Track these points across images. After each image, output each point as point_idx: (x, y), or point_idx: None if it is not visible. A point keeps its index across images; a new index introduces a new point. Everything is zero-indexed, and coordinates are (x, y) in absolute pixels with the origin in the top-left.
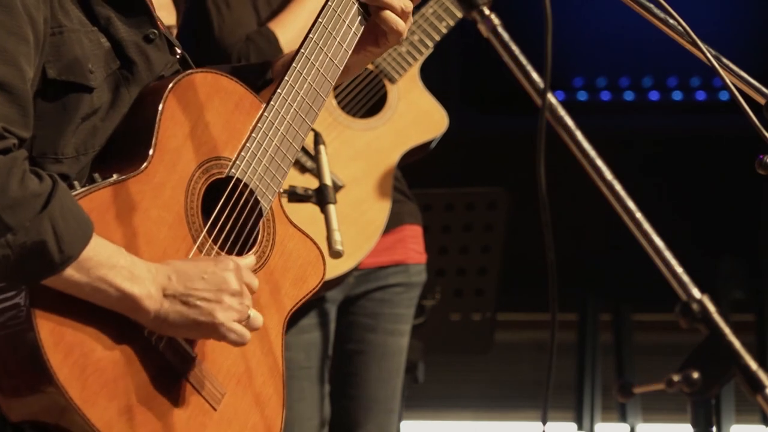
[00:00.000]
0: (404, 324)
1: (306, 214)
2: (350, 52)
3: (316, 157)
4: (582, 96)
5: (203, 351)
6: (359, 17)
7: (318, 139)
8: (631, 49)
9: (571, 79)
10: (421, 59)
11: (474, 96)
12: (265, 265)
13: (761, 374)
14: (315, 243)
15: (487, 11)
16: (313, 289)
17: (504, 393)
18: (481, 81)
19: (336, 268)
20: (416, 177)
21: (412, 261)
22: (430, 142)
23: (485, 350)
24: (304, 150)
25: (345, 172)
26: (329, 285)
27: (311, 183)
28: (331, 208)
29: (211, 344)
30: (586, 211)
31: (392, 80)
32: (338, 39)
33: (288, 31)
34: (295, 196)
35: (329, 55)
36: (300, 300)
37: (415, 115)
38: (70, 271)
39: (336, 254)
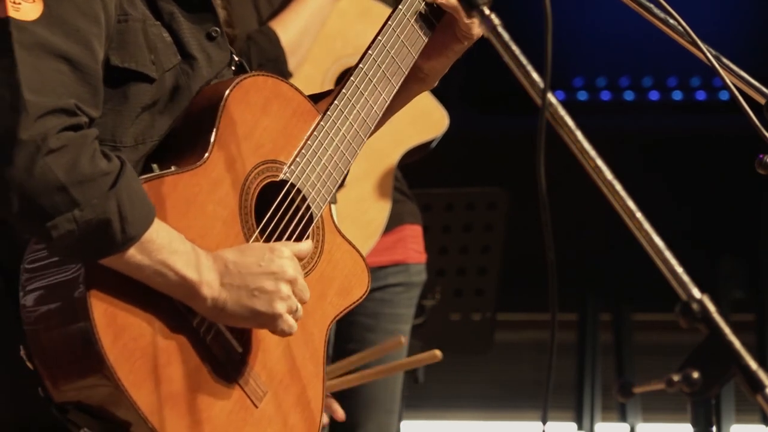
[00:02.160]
0: (404, 324)
1: None
2: (407, 71)
3: None
4: (582, 96)
5: (249, 348)
6: (425, 23)
7: None
8: (631, 49)
9: (571, 79)
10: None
11: (474, 96)
12: (313, 270)
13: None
14: (361, 255)
15: (487, 11)
16: (357, 300)
17: (504, 393)
18: (481, 81)
19: None
20: (416, 177)
21: (412, 261)
22: (430, 142)
23: (485, 350)
24: None
25: None
26: None
27: None
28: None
29: (257, 342)
30: (586, 211)
31: None
32: (396, 57)
33: (289, 30)
34: None
35: (386, 72)
36: (343, 310)
37: (415, 115)
38: (133, 252)
39: None
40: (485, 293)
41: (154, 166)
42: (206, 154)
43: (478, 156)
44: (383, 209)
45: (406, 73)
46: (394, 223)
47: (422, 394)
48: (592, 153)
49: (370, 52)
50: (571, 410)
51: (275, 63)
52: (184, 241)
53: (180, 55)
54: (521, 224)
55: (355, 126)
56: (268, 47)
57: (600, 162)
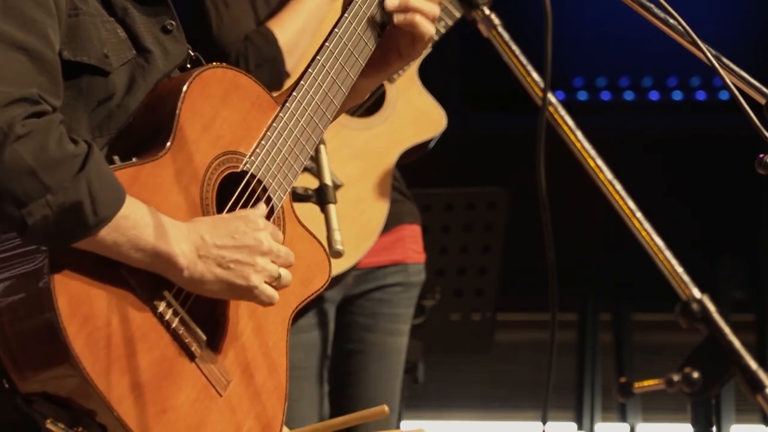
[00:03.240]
0: (403, 324)
1: (306, 213)
2: (363, 63)
3: (315, 157)
4: (582, 96)
5: (214, 336)
6: (374, 32)
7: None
8: (631, 49)
9: (571, 79)
10: (419, 59)
11: (474, 96)
12: None
13: (761, 374)
14: (322, 245)
15: (487, 11)
16: (319, 289)
17: (504, 393)
18: (481, 81)
19: (335, 268)
20: (416, 177)
21: (410, 260)
22: (428, 142)
23: (485, 350)
24: None
25: (343, 171)
26: (328, 284)
27: (311, 183)
28: (332, 207)
29: (222, 330)
30: (585, 211)
31: (391, 79)
32: (353, 50)
33: (286, 30)
34: (295, 195)
35: (344, 65)
36: (305, 299)
37: (414, 115)
38: (107, 230)
39: (336, 254)
40: (485, 293)
41: (116, 158)
42: (167, 145)
43: (478, 156)
44: (381, 209)
45: (363, 65)
46: (392, 222)
47: (422, 394)
48: (592, 153)
49: (327, 44)
50: (571, 410)
51: (273, 63)
52: (157, 214)
53: (135, 50)
54: (521, 224)
55: (314, 117)
56: (265, 47)
57: (600, 162)
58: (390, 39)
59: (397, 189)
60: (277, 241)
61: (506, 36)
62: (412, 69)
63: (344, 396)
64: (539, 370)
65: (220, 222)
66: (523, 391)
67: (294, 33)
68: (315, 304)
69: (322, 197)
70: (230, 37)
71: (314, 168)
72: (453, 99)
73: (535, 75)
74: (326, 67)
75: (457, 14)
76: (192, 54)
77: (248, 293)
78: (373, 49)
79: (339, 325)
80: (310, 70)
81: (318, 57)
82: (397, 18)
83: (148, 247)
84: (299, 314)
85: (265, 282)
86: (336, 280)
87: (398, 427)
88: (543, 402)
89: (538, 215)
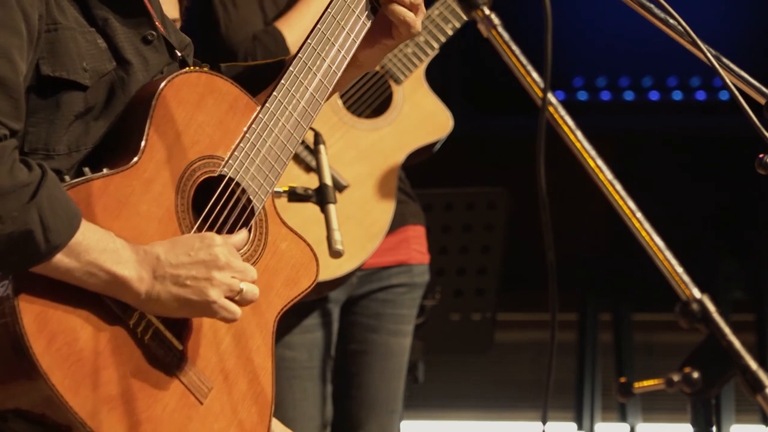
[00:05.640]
0: (407, 324)
1: (306, 214)
2: (358, 40)
3: (315, 157)
4: (582, 96)
5: (190, 345)
6: (368, 9)
7: (318, 139)
8: (631, 49)
9: (571, 79)
10: (426, 60)
11: (474, 96)
12: (256, 264)
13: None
14: (308, 245)
15: (487, 11)
16: (305, 290)
17: (504, 393)
18: (481, 81)
19: (339, 268)
20: (416, 177)
21: (415, 261)
22: (434, 144)
23: (485, 350)
24: (309, 150)
25: (349, 172)
26: (332, 285)
27: (311, 183)
28: (331, 207)
29: (198, 338)
30: (586, 211)
31: (398, 81)
32: (346, 29)
33: (295, 30)
34: (295, 196)
35: (333, 49)
36: (291, 300)
37: (420, 117)
38: (60, 257)
39: (336, 254)
40: (485, 293)
41: (86, 169)
42: (138, 155)
43: (478, 156)
44: (387, 210)
45: (349, 58)
46: (397, 223)
47: (422, 394)
48: (592, 153)
49: (309, 41)
50: (571, 410)
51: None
52: (113, 238)
53: (115, 61)
54: (521, 224)
55: (295, 115)
56: (273, 47)
57: (600, 162)
58: (385, 17)
59: (402, 190)
60: (236, 257)
61: (506, 36)
62: (419, 71)
63: (347, 396)
64: (539, 370)
65: (177, 242)
66: (523, 391)
67: (302, 32)
68: (319, 305)
69: (321, 197)
70: (238, 36)
71: (316, 167)
72: (453, 99)
73: (535, 75)
74: (308, 64)
75: (465, 17)
76: (179, 54)
77: (207, 309)
78: (369, 24)
79: (343, 325)
80: (291, 68)
81: (299, 54)
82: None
83: (103, 272)
84: (303, 314)
85: (227, 297)
86: (341, 281)
87: (399, 428)
88: (543, 402)
89: (538, 215)
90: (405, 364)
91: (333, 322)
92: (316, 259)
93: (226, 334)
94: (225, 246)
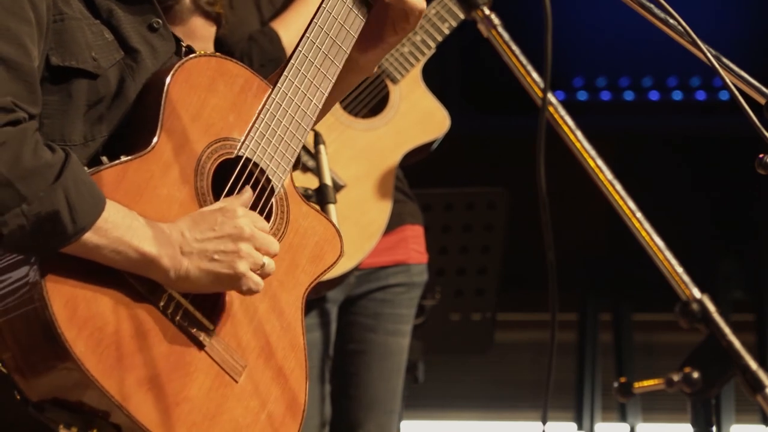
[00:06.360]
0: (405, 324)
1: None
2: (356, 35)
3: (315, 157)
4: (582, 96)
5: (220, 324)
6: (363, 3)
7: (318, 139)
8: (631, 49)
9: (571, 79)
10: (423, 60)
11: (474, 96)
12: (280, 242)
13: (761, 374)
14: (330, 221)
15: (487, 11)
16: (332, 265)
17: (504, 393)
18: (480, 81)
19: (337, 268)
20: (417, 177)
21: (413, 261)
22: (431, 143)
23: (485, 350)
24: (305, 150)
25: (346, 171)
26: (330, 284)
27: (311, 183)
28: (331, 207)
29: (228, 317)
30: (586, 211)
31: (394, 80)
32: (343, 23)
33: (291, 30)
34: None
35: (334, 38)
36: (317, 276)
37: (417, 116)
38: (89, 235)
39: None
40: (485, 293)
41: (104, 158)
42: (154, 140)
43: (478, 156)
44: (384, 210)
45: (348, 52)
46: (395, 223)
47: (422, 394)
48: (592, 153)
49: (315, 20)
50: (571, 410)
51: (277, 63)
52: (137, 217)
53: (122, 50)
54: (521, 224)
55: (308, 94)
56: (269, 47)
57: (600, 162)
58: (383, 13)
59: (399, 189)
60: (260, 228)
61: (506, 36)
62: (416, 70)
63: (346, 396)
64: (539, 370)
65: (199, 217)
66: (523, 391)
67: (298, 32)
68: (317, 304)
69: (322, 197)
70: (234, 36)
71: (315, 168)
72: (453, 99)
73: (535, 75)
74: (316, 43)
75: (461, 15)
76: (184, 45)
77: (236, 282)
78: (364, 20)
79: (341, 325)
80: (299, 47)
81: (307, 34)
82: None
83: (131, 249)
84: None
85: (251, 270)
86: (338, 281)
87: (399, 428)
88: (543, 402)
89: (538, 215)
90: (403, 364)
91: (331, 321)
92: (339, 235)
93: (256, 312)
94: (247, 216)
